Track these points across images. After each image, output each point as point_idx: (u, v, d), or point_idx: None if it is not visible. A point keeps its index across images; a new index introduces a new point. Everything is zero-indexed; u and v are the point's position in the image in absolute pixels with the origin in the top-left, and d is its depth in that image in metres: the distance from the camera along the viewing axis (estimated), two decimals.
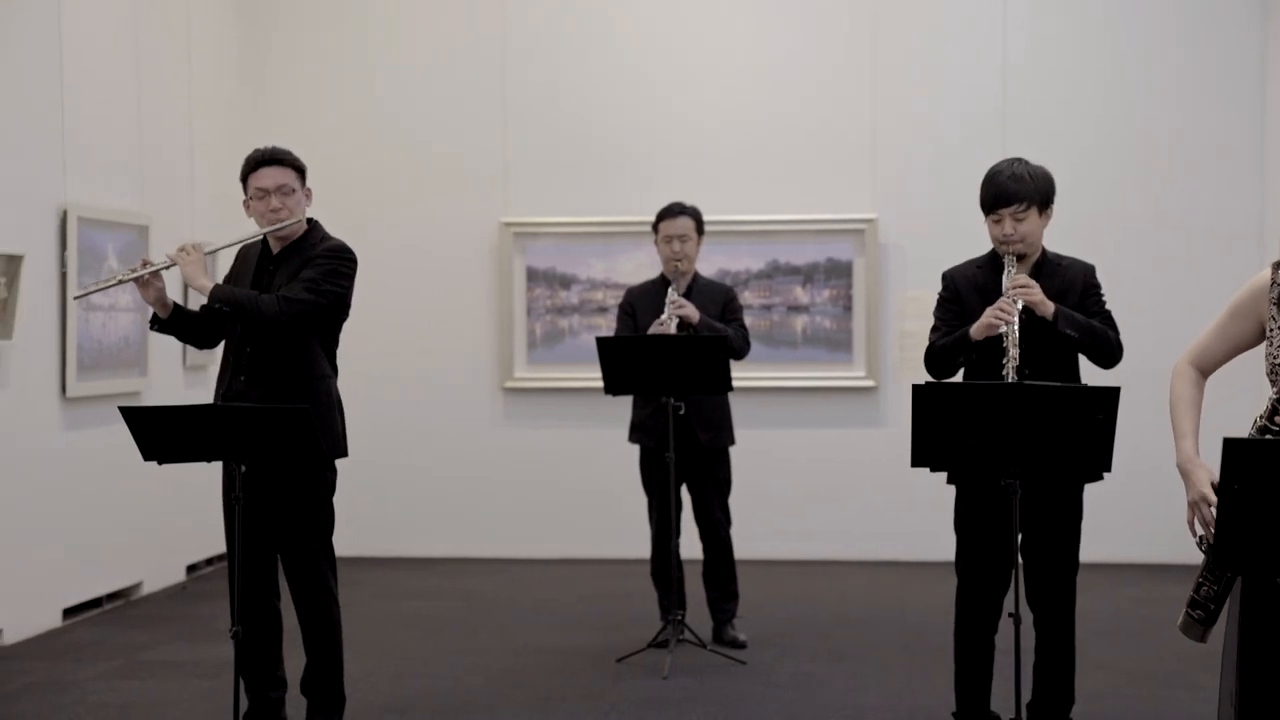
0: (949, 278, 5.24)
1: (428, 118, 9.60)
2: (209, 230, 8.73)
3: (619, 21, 9.57)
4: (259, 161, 5.33)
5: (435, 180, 9.58)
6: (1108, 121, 9.20)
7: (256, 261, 5.40)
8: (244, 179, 5.36)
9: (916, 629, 7.35)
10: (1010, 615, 4.58)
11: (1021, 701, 4.68)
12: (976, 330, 4.96)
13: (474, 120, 9.55)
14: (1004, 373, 4.79)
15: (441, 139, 9.58)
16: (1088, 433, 4.34)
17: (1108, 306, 5.16)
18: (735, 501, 7.18)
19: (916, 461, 4.52)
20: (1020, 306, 4.90)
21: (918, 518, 8.96)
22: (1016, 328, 4.86)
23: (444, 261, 9.57)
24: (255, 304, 5.17)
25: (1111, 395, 4.31)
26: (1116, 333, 5.10)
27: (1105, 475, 4.64)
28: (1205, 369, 3.97)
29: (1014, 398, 4.39)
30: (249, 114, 9.50)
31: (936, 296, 5.26)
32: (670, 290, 6.81)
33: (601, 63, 9.53)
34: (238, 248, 5.54)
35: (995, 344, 4.94)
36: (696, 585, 7.22)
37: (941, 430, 4.43)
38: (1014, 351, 4.81)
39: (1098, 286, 5.17)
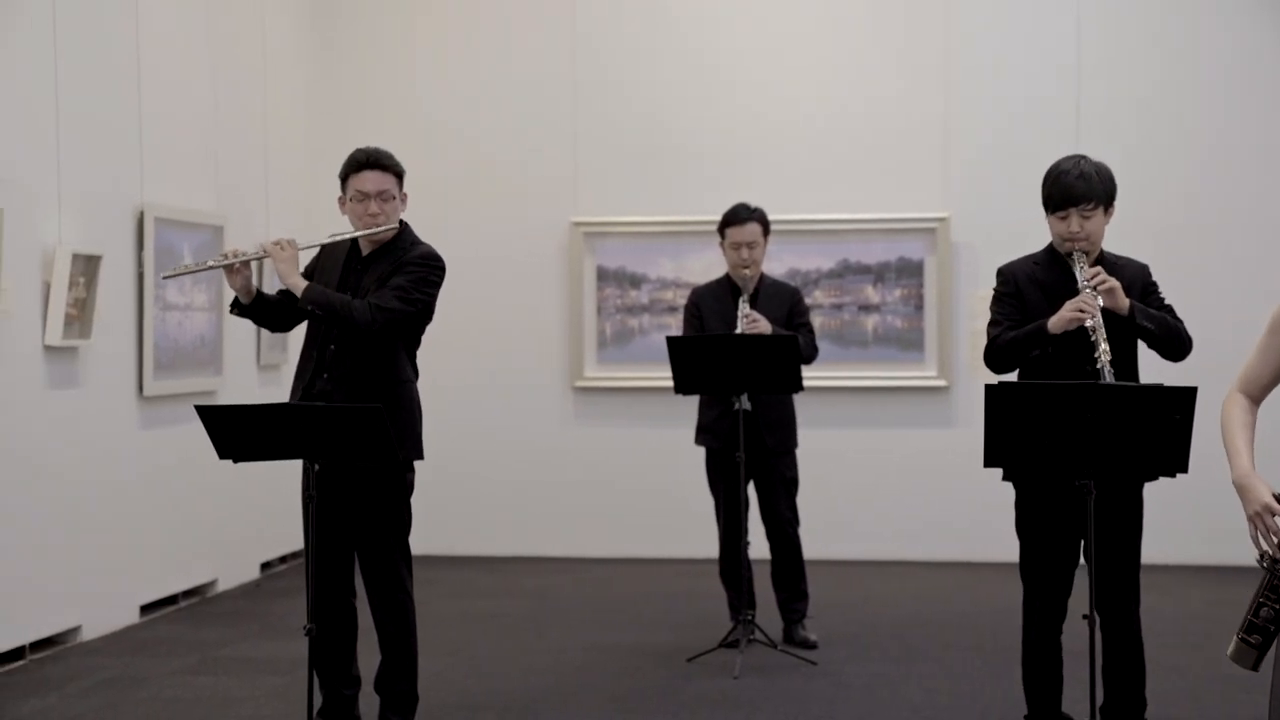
0: (1007, 273, 5.16)
1: (499, 118, 9.63)
2: (283, 230, 8.79)
3: (688, 21, 9.56)
4: (362, 164, 5.33)
5: (506, 181, 9.61)
6: (1184, 118, 9.09)
7: (344, 260, 5.41)
8: (344, 178, 5.37)
9: (989, 630, 7.30)
10: (1084, 617, 4.54)
11: (1096, 705, 4.63)
12: (1056, 324, 4.89)
13: (544, 121, 9.58)
14: (1097, 367, 4.72)
15: (512, 140, 9.61)
16: (1164, 433, 4.29)
17: (1168, 302, 5.13)
18: (805, 501, 7.16)
19: (989, 462, 4.49)
20: (1100, 301, 4.85)
21: (990, 518, 8.84)
22: (1101, 321, 4.81)
23: (515, 262, 9.60)
24: (348, 309, 5.20)
25: (1188, 395, 4.26)
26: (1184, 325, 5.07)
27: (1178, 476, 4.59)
28: (1254, 394, 3.93)
29: (1090, 398, 4.35)
30: (322, 115, 9.58)
31: (993, 292, 5.20)
32: (742, 303, 6.75)
33: (671, 62, 9.53)
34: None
35: (1069, 339, 4.90)
36: (765, 586, 7.20)
37: (1015, 430, 4.40)
38: (1104, 346, 4.76)
39: (1155, 284, 5.14)
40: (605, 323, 9.56)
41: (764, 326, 6.67)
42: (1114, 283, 4.89)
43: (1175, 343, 5.01)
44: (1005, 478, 5.04)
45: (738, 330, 6.65)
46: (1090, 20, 9.15)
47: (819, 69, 9.43)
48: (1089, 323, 4.81)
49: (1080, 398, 4.36)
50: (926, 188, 9.27)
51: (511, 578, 8.88)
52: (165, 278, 5.81)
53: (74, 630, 7.02)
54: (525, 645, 7.10)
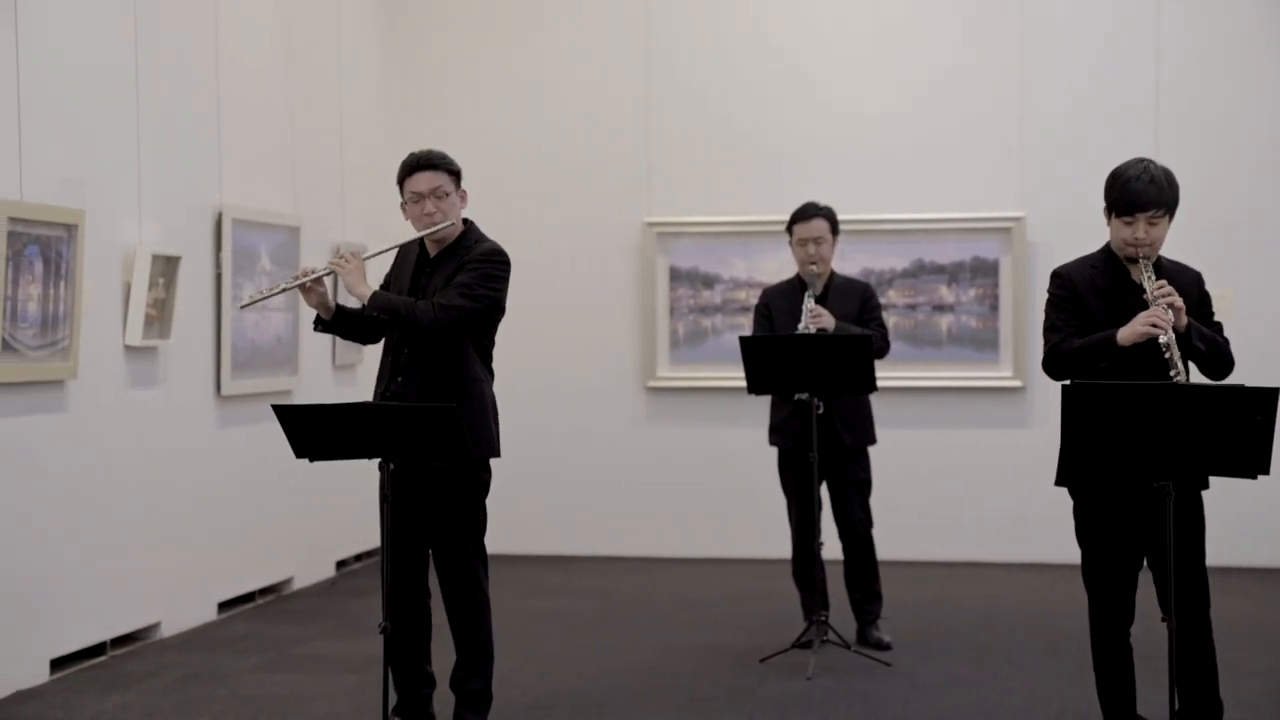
0: (1064, 276, 5.05)
1: (572, 119, 9.66)
2: (358, 232, 8.90)
3: (761, 20, 9.54)
4: (414, 166, 5.38)
5: (579, 181, 9.64)
6: (1266, 115, 8.97)
7: (414, 264, 5.46)
8: (400, 183, 5.42)
9: (1063, 632, 7.23)
10: (1162, 620, 4.50)
11: (1174, 708, 4.58)
12: (1127, 336, 4.79)
13: (617, 121, 9.59)
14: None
15: (585, 140, 9.63)
16: (1245, 434, 4.24)
17: (1217, 319, 5.07)
18: (878, 502, 7.13)
19: (1064, 463, 4.45)
20: (1171, 316, 4.79)
21: (1065, 520, 8.81)
22: (1174, 339, 4.74)
23: (587, 262, 9.62)
24: (411, 312, 5.24)
25: (1270, 396, 4.21)
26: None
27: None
28: None
29: (1169, 399, 4.30)
30: (397, 117, 9.64)
31: (1048, 296, 5.08)
32: (807, 298, 6.74)
33: (744, 62, 9.52)
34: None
35: (1136, 351, 4.81)
36: (838, 586, 7.17)
37: (1093, 431, 4.36)
38: (1180, 365, 4.69)
39: (1209, 296, 5.06)
40: (678, 323, 9.56)
41: (828, 321, 6.65)
42: (1180, 301, 4.81)
43: (1222, 364, 4.95)
44: (1059, 483, 4.95)
45: (801, 325, 6.65)
46: (1170, 14, 9.03)
47: (895, 66, 9.38)
48: (1162, 339, 4.74)
49: (1160, 399, 4.31)
50: (1002, 186, 9.20)
51: (585, 577, 8.90)
52: (242, 307, 5.92)
53: (153, 627, 7.11)
54: (598, 645, 7.12)
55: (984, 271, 9.22)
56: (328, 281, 5.44)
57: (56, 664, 6.42)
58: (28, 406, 6.27)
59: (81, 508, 6.59)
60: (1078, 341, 4.93)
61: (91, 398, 6.65)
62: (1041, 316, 8.73)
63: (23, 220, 6.06)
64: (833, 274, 7.00)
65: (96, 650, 6.71)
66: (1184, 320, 4.82)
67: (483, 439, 5.30)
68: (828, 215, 6.92)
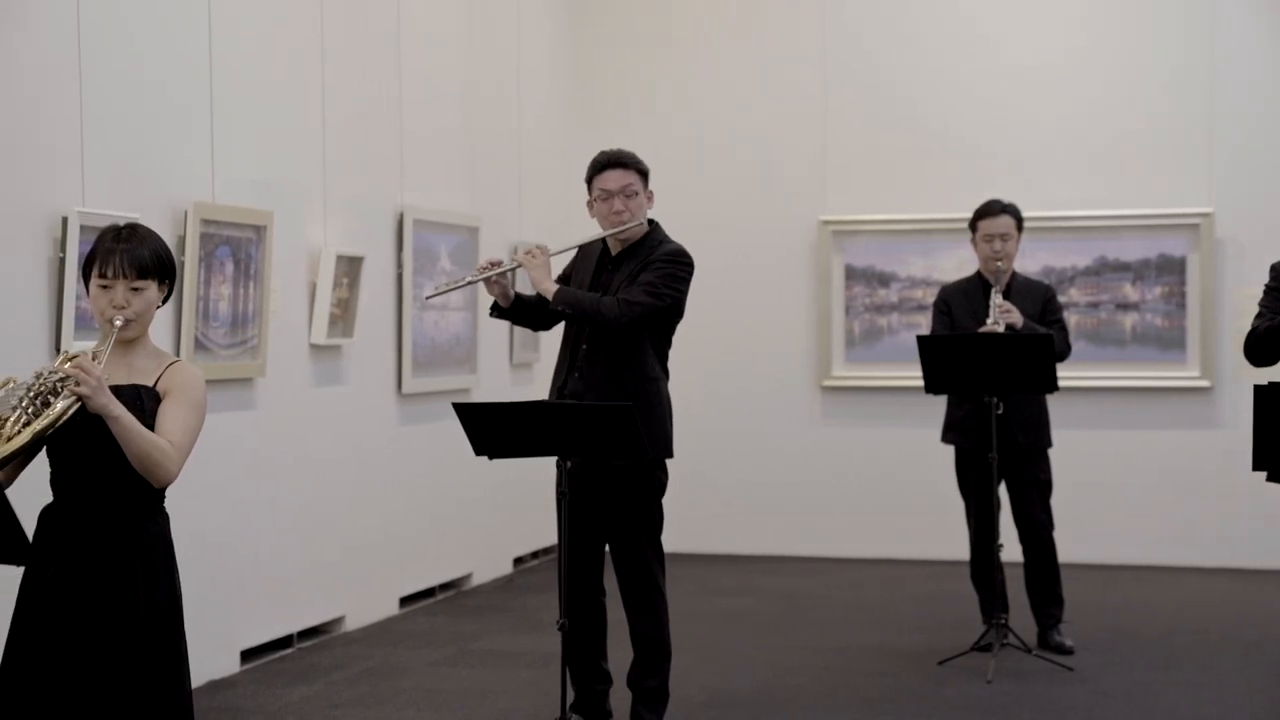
0: None
1: (747, 117, 9.64)
2: (535, 231, 8.98)
3: (938, 15, 9.43)
4: (604, 164, 5.42)
5: (754, 179, 9.62)
6: None
7: (596, 261, 5.50)
8: (589, 180, 5.46)
9: (1257, 639, 7.03)
10: None
11: None
12: None
13: (793, 119, 9.55)
14: None
15: (760, 138, 9.61)
16: None
17: None
18: (1059, 503, 7.01)
19: (1258, 465, 4.33)
20: None
21: (1257, 523, 8.59)
22: None
23: (762, 260, 9.60)
24: (596, 307, 5.28)
25: None
26: None
27: None
28: None
29: None
30: (574, 118, 9.72)
31: (1264, 287, 5.16)
32: (994, 294, 6.65)
33: (921, 58, 9.41)
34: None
35: None
36: (1017, 589, 7.06)
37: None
38: None
39: None
40: (853, 322, 9.49)
41: (1016, 317, 6.56)
42: None
43: None
44: (1270, 478, 4.84)
45: (990, 320, 6.55)
46: None
47: (1074, 60, 9.20)
48: None
49: None
50: (1189, 182, 8.96)
51: (761, 576, 8.88)
52: (428, 298, 6.02)
53: (338, 620, 7.26)
54: (775, 644, 7.10)
55: (1170, 269, 8.99)
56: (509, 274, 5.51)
57: (246, 655, 6.59)
58: (218, 404, 6.41)
59: (270, 503, 6.75)
60: (1267, 323, 4.96)
61: (279, 396, 6.81)
62: (1232, 315, 8.55)
63: (214, 222, 6.23)
64: (1014, 274, 6.91)
65: (284, 642, 6.87)
66: None
67: (659, 439, 5.32)
68: (1013, 212, 6.83)
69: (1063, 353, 6.69)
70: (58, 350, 5.33)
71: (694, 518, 9.38)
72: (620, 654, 5.57)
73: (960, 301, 6.90)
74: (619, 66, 9.86)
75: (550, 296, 5.35)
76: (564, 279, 5.55)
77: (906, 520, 9.33)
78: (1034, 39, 9.26)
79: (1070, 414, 8.28)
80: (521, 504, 8.75)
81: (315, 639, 7.08)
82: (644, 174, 5.44)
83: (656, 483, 5.38)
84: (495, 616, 7.73)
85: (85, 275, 3.81)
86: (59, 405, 3.55)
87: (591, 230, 5.55)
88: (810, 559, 9.39)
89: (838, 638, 7.21)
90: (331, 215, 7.18)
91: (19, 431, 3.54)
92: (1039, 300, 6.85)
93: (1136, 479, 9.05)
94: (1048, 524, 6.87)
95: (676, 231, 5.64)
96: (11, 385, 3.65)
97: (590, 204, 5.47)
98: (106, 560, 3.70)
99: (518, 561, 9.10)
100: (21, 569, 3.70)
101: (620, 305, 5.25)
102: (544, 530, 8.84)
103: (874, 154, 9.44)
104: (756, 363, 9.63)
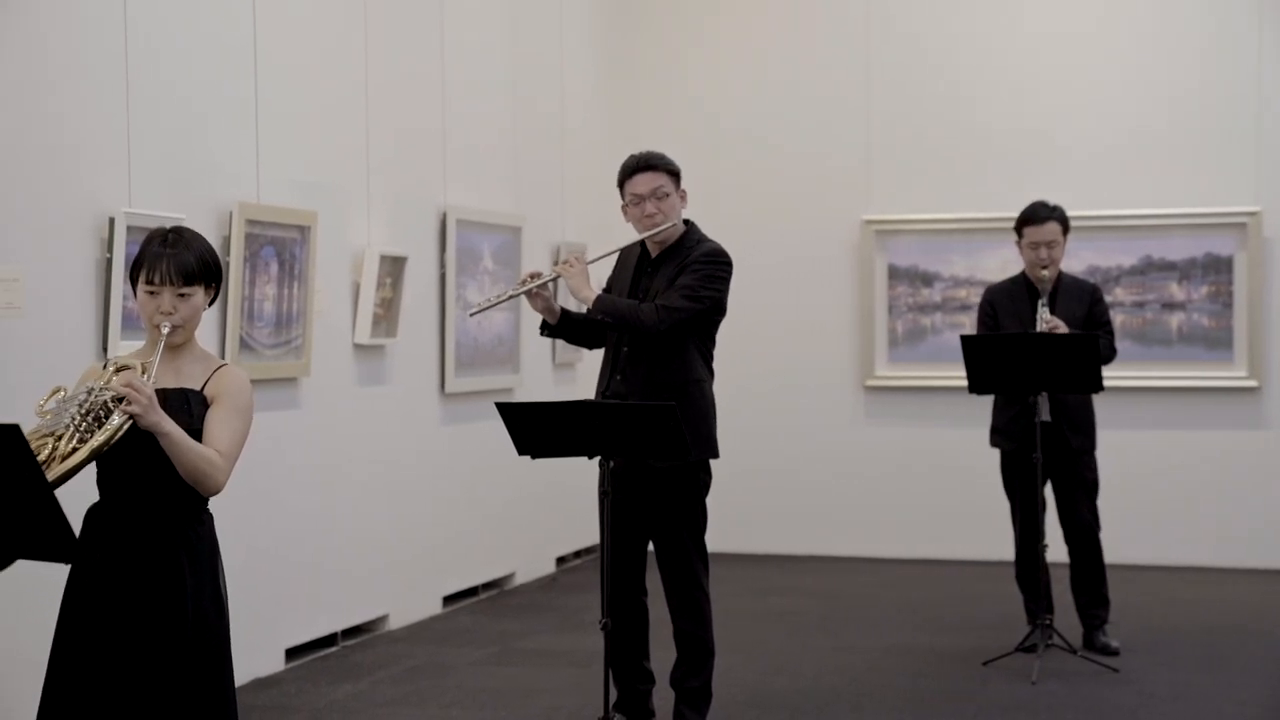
0: None
1: (790, 116, 9.62)
2: (579, 232, 9.00)
3: (983, 14, 9.39)
4: (633, 168, 5.41)
5: (797, 178, 9.60)
6: None
7: (635, 265, 5.50)
8: (620, 185, 5.46)
9: None
10: None
11: None
12: None
13: (836, 117, 9.53)
14: None
15: (803, 137, 9.59)
16: None
17: None
18: (1105, 504, 6.97)
19: None
20: None
21: None
22: None
23: (805, 259, 9.58)
24: (635, 314, 5.27)
25: None
26: None
27: None
28: None
29: None
30: (617, 118, 9.72)
31: None
32: (1041, 307, 6.59)
33: (967, 57, 9.37)
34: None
35: None
36: (1062, 589, 7.02)
37: None
38: None
39: None
40: (896, 321, 9.46)
41: (1063, 330, 6.50)
42: None
43: None
44: None
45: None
46: None
47: (1120, 58, 9.14)
48: None
49: None
50: (1237, 180, 8.89)
51: (804, 576, 8.87)
52: (472, 315, 6.05)
53: (382, 619, 7.29)
54: (818, 644, 7.08)
55: (1217, 268, 8.92)
56: (551, 287, 5.50)
57: (291, 653, 6.62)
58: (263, 403, 6.42)
59: (313, 502, 6.78)
60: None
61: (323, 395, 6.84)
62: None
63: (259, 222, 6.26)
64: (1061, 274, 6.85)
65: (329, 641, 6.90)
66: None
67: (702, 439, 5.31)
68: (1060, 217, 6.75)
69: (1108, 356, 6.64)
70: (104, 351, 5.37)
71: (737, 517, 9.36)
72: (663, 654, 5.57)
73: (1005, 304, 6.86)
74: (662, 66, 9.86)
75: (588, 305, 5.36)
76: (608, 287, 5.55)
77: (950, 520, 9.29)
78: (1079, 39, 9.20)
79: (1116, 414, 8.22)
80: (564, 503, 8.76)
81: (359, 637, 7.11)
82: (675, 174, 5.42)
83: (700, 482, 5.38)
84: (538, 616, 7.75)
85: (132, 278, 3.83)
86: (112, 423, 3.57)
87: (630, 233, 5.54)
88: (854, 559, 9.37)
89: (881, 638, 7.18)
90: (375, 215, 7.21)
91: (74, 450, 3.56)
92: (1085, 301, 6.80)
93: (1183, 479, 8.99)
94: (1094, 524, 6.83)
95: (720, 230, 5.63)
96: (61, 395, 3.67)
97: (624, 209, 5.47)
98: (153, 561, 3.72)
99: (560, 561, 9.11)
100: (68, 567, 3.73)
101: (659, 312, 5.25)
102: (587, 529, 8.83)
103: (917, 153, 9.40)
104: (799, 362, 9.61)
